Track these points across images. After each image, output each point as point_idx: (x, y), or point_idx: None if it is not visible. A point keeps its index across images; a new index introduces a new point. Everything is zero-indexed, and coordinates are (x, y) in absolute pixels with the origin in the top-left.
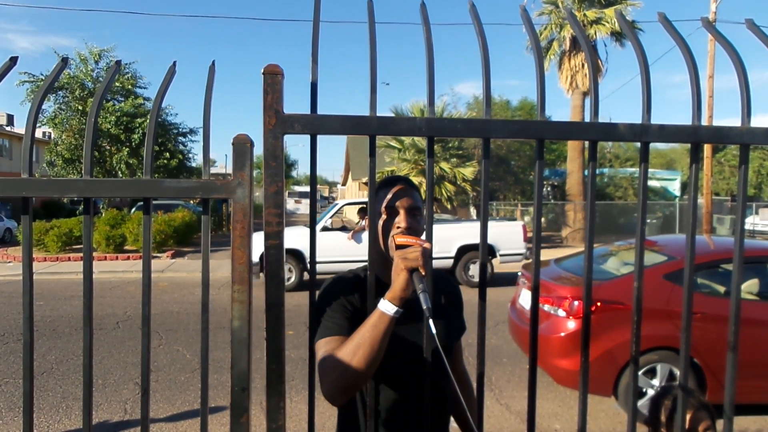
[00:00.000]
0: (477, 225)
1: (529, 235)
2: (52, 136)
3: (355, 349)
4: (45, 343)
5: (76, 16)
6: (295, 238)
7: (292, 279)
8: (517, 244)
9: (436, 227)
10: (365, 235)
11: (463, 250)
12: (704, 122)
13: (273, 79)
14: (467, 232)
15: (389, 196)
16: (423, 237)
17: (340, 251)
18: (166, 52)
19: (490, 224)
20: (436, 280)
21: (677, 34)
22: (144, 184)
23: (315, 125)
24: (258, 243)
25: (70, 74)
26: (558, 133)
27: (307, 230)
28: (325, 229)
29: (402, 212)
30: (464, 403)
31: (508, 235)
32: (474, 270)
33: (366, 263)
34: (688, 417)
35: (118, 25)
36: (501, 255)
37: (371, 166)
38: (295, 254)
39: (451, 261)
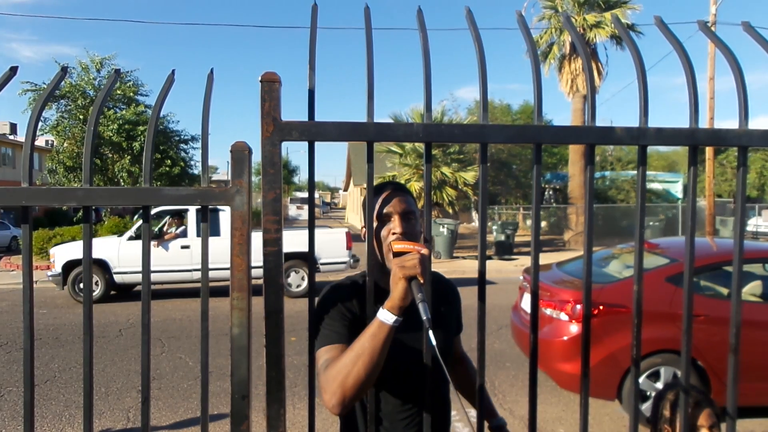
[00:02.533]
0: (296, 233)
1: (350, 244)
2: (55, 144)
3: (355, 358)
4: (48, 352)
5: (78, 25)
6: (100, 248)
7: (98, 291)
8: (339, 252)
9: (255, 235)
10: (173, 244)
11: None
12: (705, 124)
13: (270, 86)
14: (286, 240)
15: (379, 202)
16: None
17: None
18: (168, 57)
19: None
20: (433, 283)
21: (674, 38)
22: (142, 192)
23: (312, 132)
24: (65, 253)
25: (71, 83)
26: (555, 138)
27: (114, 240)
28: (131, 238)
29: (396, 217)
30: (468, 387)
31: (330, 243)
32: (292, 279)
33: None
34: (700, 413)
35: (121, 33)
36: (322, 264)
37: (369, 173)
38: (101, 264)
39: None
